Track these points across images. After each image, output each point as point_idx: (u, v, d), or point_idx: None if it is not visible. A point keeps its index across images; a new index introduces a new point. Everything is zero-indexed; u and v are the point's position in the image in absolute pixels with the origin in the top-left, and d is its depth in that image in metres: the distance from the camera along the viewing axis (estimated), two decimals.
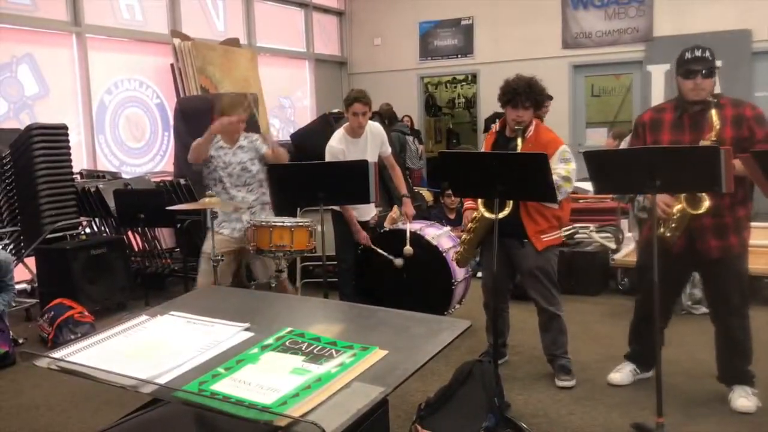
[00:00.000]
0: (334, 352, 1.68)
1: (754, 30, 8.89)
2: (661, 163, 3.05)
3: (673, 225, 3.38)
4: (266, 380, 1.59)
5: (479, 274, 5.94)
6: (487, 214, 3.80)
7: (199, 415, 1.84)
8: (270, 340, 1.78)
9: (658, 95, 9.31)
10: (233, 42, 9.12)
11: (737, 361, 3.61)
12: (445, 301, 4.92)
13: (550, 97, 7.82)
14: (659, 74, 9.31)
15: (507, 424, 3.32)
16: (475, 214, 3.97)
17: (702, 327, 4.71)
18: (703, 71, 3.36)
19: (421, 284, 4.92)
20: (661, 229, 3.41)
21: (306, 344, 1.74)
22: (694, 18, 9.11)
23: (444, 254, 4.91)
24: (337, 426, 1.39)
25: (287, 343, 1.76)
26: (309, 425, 1.38)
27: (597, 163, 3.28)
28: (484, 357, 3.91)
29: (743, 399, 3.53)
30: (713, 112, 3.29)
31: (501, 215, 3.60)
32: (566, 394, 3.84)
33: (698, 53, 3.38)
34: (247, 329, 1.90)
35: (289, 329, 1.84)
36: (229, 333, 1.86)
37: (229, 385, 1.59)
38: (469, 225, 4.03)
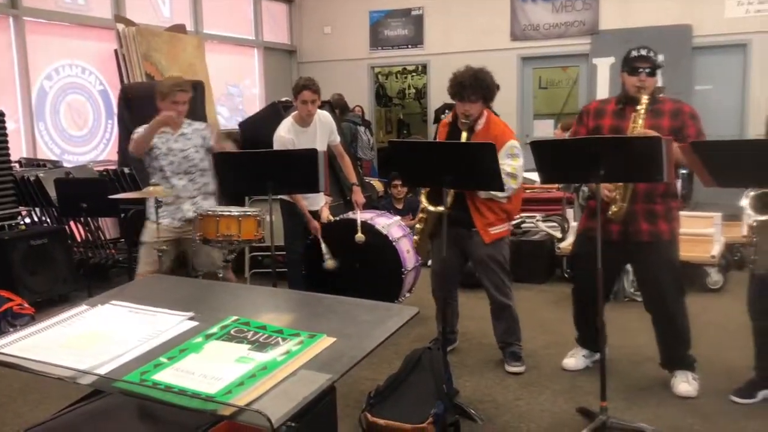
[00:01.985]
0: (280, 340, 1.66)
1: (695, 25, 9.13)
2: (605, 153, 3.11)
3: (617, 198, 3.48)
4: (210, 369, 1.56)
5: (430, 263, 5.99)
6: (430, 208, 3.84)
7: (141, 406, 1.80)
8: (214, 329, 1.75)
9: (603, 87, 9.50)
10: (179, 28, 8.93)
11: (678, 347, 3.72)
12: (396, 290, 4.93)
13: (497, 87, 7.88)
14: (605, 67, 9.50)
15: (455, 410, 3.35)
16: (422, 205, 4.01)
17: (644, 313, 4.83)
18: (647, 70, 3.50)
19: (371, 273, 4.92)
20: (610, 212, 3.49)
21: (252, 333, 1.71)
22: (638, 12, 9.30)
23: (394, 243, 4.92)
24: (283, 414, 1.37)
25: (232, 332, 1.73)
26: (254, 414, 1.36)
27: (543, 153, 3.33)
28: (433, 344, 3.94)
29: (685, 384, 3.64)
30: (643, 105, 3.44)
31: (442, 208, 3.64)
32: (513, 380, 3.90)
33: (644, 52, 3.53)
34: (191, 318, 1.86)
35: (234, 318, 1.81)
36: (172, 322, 1.82)
37: (171, 375, 1.56)
38: (420, 215, 4.07)
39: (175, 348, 1.68)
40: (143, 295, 2.12)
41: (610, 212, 3.51)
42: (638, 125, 3.42)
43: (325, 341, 1.63)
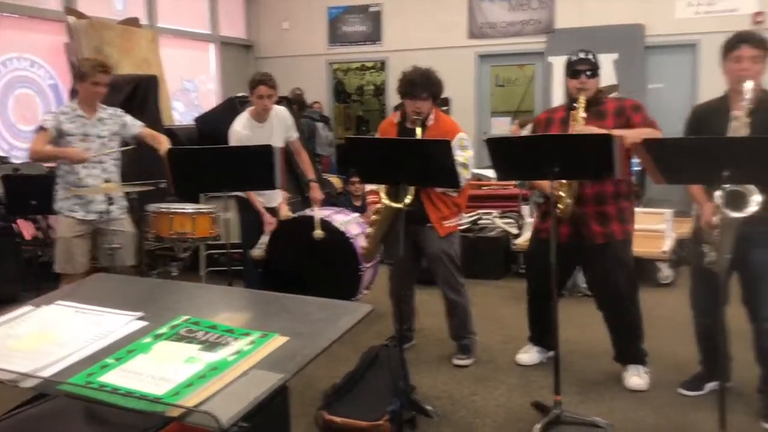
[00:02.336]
0: (231, 340, 1.63)
1: (647, 25, 9.31)
2: (559, 151, 3.16)
3: (563, 195, 3.51)
4: (159, 370, 1.53)
5: (387, 261, 5.99)
6: (392, 204, 3.83)
7: (88, 409, 1.76)
8: (164, 329, 1.71)
9: (558, 86, 9.61)
10: (132, 22, 8.75)
11: (631, 342, 3.80)
12: (353, 287, 4.92)
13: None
14: (560, 65, 9.54)
15: (412, 406, 3.36)
16: (377, 205, 4.01)
17: (595, 308, 4.92)
18: (587, 72, 3.56)
19: (328, 270, 4.90)
20: (558, 209, 3.54)
21: (202, 332, 1.68)
22: (593, 12, 9.44)
23: (352, 240, 4.91)
24: (233, 415, 1.35)
25: (182, 332, 1.69)
26: (203, 415, 1.34)
27: (499, 150, 3.37)
28: (390, 341, 3.94)
29: (636, 378, 3.72)
30: (580, 105, 3.49)
31: (402, 203, 3.64)
32: (469, 376, 3.93)
33: (582, 55, 3.61)
34: (140, 318, 1.82)
35: (185, 317, 1.78)
36: (120, 322, 1.78)
37: (118, 376, 1.52)
38: (373, 217, 4.06)
39: (123, 349, 1.64)
40: (91, 294, 2.06)
41: (558, 210, 3.53)
42: (578, 121, 3.47)
43: (277, 340, 1.61)
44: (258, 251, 4.78)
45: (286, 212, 4.94)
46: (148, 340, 1.67)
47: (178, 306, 1.95)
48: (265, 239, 4.78)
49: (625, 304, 3.72)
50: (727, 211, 2.83)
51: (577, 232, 3.62)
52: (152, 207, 4.32)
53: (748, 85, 3.06)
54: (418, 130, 3.81)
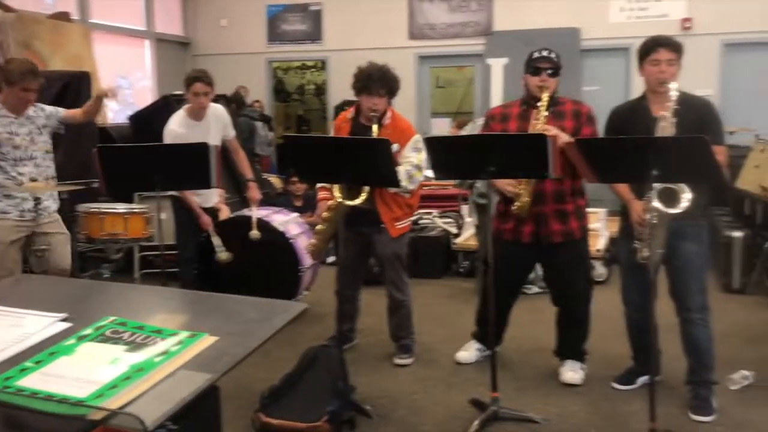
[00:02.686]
0: (159, 341, 1.58)
1: (583, 29, 9.54)
2: (494, 150, 3.19)
3: (521, 193, 3.54)
4: (82, 373, 1.47)
5: (329, 260, 5.96)
6: (346, 202, 3.78)
7: (7, 416, 1.67)
8: (88, 330, 1.65)
9: (497, 87, 9.76)
10: (63, 16, 8.45)
11: (577, 340, 3.87)
12: (293, 288, 4.86)
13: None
14: (498, 67, 9.75)
15: (351, 406, 3.34)
16: (330, 203, 3.92)
17: (534, 305, 5.00)
18: (549, 70, 3.59)
19: (268, 271, 4.84)
20: (514, 206, 3.57)
21: (129, 333, 1.63)
22: (530, 15, 9.61)
23: (292, 240, 4.86)
24: (159, 416, 1.30)
25: (108, 333, 1.63)
26: (127, 417, 1.29)
27: (436, 149, 3.39)
28: (330, 341, 3.92)
29: (571, 372, 3.79)
30: (543, 104, 3.52)
31: (356, 201, 3.61)
32: (409, 375, 3.94)
33: (545, 53, 3.63)
34: (64, 320, 1.75)
35: (111, 318, 1.72)
36: (42, 324, 1.71)
37: (38, 380, 1.45)
38: (324, 214, 3.98)
39: (44, 351, 1.58)
40: (11, 296, 1.97)
41: (514, 207, 3.57)
42: (540, 121, 3.50)
43: (206, 340, 1.57)
44: (224, 255, 4.67)
45: (226, 212, 4.85)
46: (71, 341, 1.61)
47: (105, 307, 1.88)
48: (217, 240, 4.69)
49: (581, 302, 3.79)
50: (661, 208, 2.93)
51: (537, 231, 3.64)
52: (83, 207, 4.17)
53: (673, 86, 3.16)
54: (375, 128, 3.77)
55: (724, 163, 3.18)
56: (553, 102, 3.62)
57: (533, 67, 3.62)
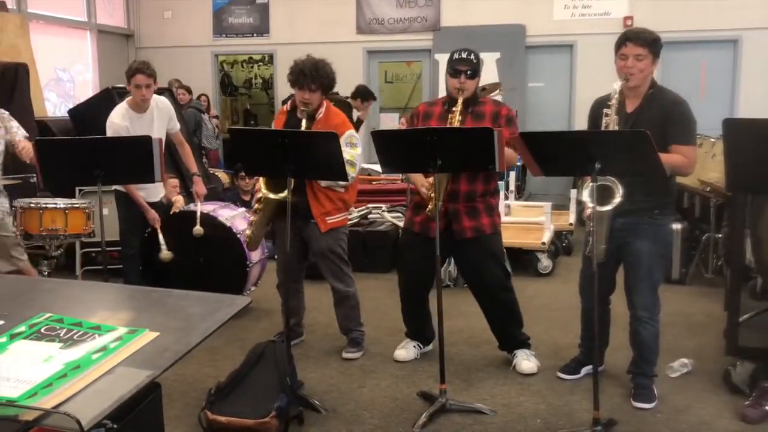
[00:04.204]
0: (97, 337, 1.53)
1: (528, 25, 9.67)
2: (441, 144, 3.20)
3: (432, 195, 3.56)
4: (15, 372, 1.41)
5: (276, 256, 5.90)
6: (270, 195, 3.76)
7: None
8: (22, 328, 1.59)
9: (444, 83, 9.81)
10: None
11: (512, 329, 3.92)
12: (240, 284, 4.81)
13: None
14: (445, 63, 9.80)
15: (299, 401, 3.32)
16: (259, 195, 3.92)
17: None
18: (468, 72, 3.60)
19: (214, 267, 4.77)
20: (427, 209, 3.60)
21: (65, 330, 1.57)
22: (476, 11, 9.70)
23: (238, 235, 4.80)
24: (96, 414, 1.26)
25: (42, 330, 1.57)
26: (62, 416, 1.24)
27: (383, 143, 3.39)
28: (277, 337, 3.88)
29: (526, 361, 3.84)
30: (458, 109, 3.57)
31: (281, 195, 3.61)
32: (357, 369, 3.93)
33: (464, 55, 3.62)
34: None
35: (47, 315, 1.65)
36: None
37: None
38: (256, 206, 3.97)
39: None
40: None
41: (427, 210, 3.63)
42: (453, 125, 3.53)
43: (146, 336, 1.53)
44: (166, 254, 4.57)
45: (181, 203, 4.74)
46: (2, 339, 1.54)
47: (41, 304, 1.81)
48: (161, 238, 4.59)
49: (499, 293, 3.83)
50: (589, 203, 3.01)
51: (448, 227, 3.68)
52: (20, 202, 4.02)
53: (616, 86, 3.23)
54: (304, 123, 3.76)
55: (689, 161, 3.26)
56: (473, 102, 3.65)
57: (452, 69, 3.63)
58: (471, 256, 3.79)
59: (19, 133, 4.06)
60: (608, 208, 3.06)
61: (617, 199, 3.04)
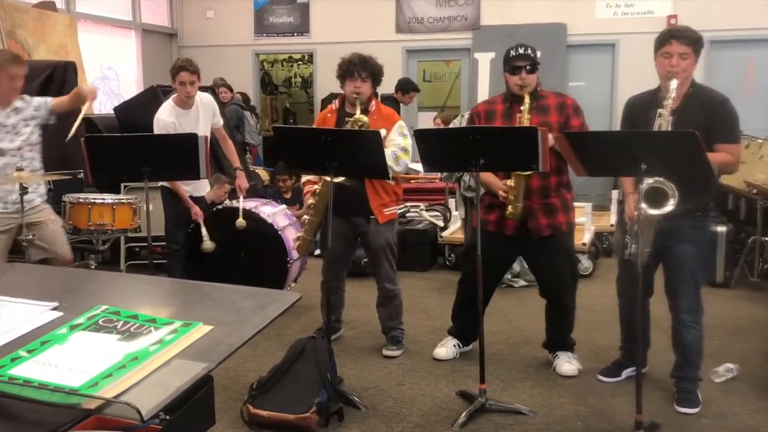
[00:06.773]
0: (153, 330, 1.57)
1: (569, 24, 9.57)
2: (484, 143, 3.20)
3: (512, 198, 3.55)
4: (76, 362, 1.46)
5: (316, 252, 5.95)
6: (327, 179, 3.71)
7: None
8: (81, 319, 1.64)
9: (484, 82, 9.77)
10: (48, 5, 8.36)
11: (564, 331, 3.90)
12: (281, 280, 4.86)
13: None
14: (485, 62, 9.76)
15: (339, 398, 3.35)
16: (315, 187, 3.94)
17: (520, 299, 5.04)
18: (527, 67, 3.58)
19: (255, 263, 4.84)
20: (507, 212, 3.59)
21: (122, 322, 1.61)
22: (517, 10, 9.63)
23: (280, 232, 4.85)
24: (155, 405, 1.30)
25: (101, 322, 1.62)
26: (122, 406, 1.28)
27: (426, 142, 3.39)
28: (317, 333, 3.92)
29: (567, 364, 3.82)
30: (525, 107, 3.52)
31: (342, 178, 3.58)
32: (396, 367, 3.95)
33: (522, 50, 3.59)
34: (55, 308, 1.73)
35: (104, 307, 1.70)
36: (33, 313, 1.69)
37: (31, 369, 1.44)
38: (310, 201, 3.98)
39: (37, 340, 1.56)
40: (1, 284, 1.95)
41: (507, 213, 3.59)
42: (524, 124, 3.49)
43: (200, 329, 1.56)
44: (208, 244, 4.66)
45: (245, 184, 4.82)
46: (63, 330, 1.60)
47: (97, 296, 1.87)
48: (204, 230, 4.67)
49: (567, 295, 3.81)
50: (645, 208, 2.94)
51: (522, 225, 3.65)
52: (69, 197, 4.13)
53: (673, 85, 3.12)
54: (358, 111, 3.78)
55: (735, 160, 3.20)
56: (536, 96, 3.62)
57: (511, 65, 3.61)
58: (545, 255, 3.73)
59: (48, 100, 4.14)
60: (660, 211, 2.94)
61: (671, 202, 2.91)
